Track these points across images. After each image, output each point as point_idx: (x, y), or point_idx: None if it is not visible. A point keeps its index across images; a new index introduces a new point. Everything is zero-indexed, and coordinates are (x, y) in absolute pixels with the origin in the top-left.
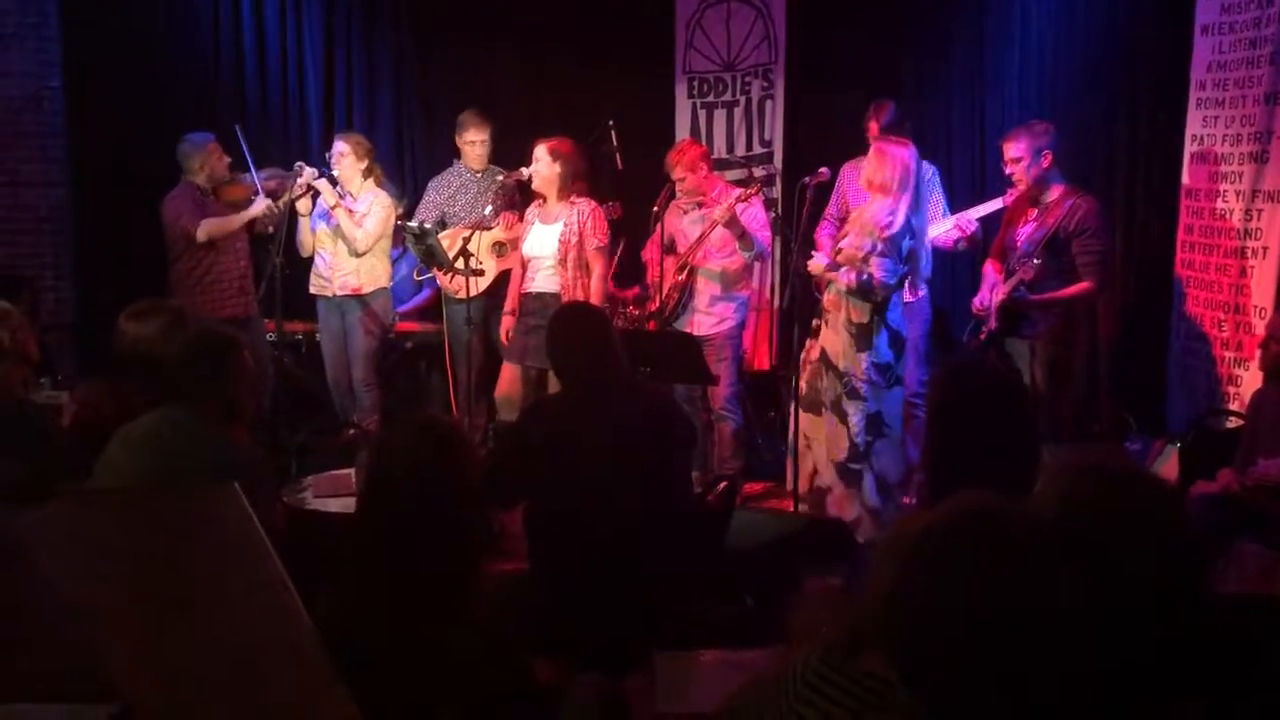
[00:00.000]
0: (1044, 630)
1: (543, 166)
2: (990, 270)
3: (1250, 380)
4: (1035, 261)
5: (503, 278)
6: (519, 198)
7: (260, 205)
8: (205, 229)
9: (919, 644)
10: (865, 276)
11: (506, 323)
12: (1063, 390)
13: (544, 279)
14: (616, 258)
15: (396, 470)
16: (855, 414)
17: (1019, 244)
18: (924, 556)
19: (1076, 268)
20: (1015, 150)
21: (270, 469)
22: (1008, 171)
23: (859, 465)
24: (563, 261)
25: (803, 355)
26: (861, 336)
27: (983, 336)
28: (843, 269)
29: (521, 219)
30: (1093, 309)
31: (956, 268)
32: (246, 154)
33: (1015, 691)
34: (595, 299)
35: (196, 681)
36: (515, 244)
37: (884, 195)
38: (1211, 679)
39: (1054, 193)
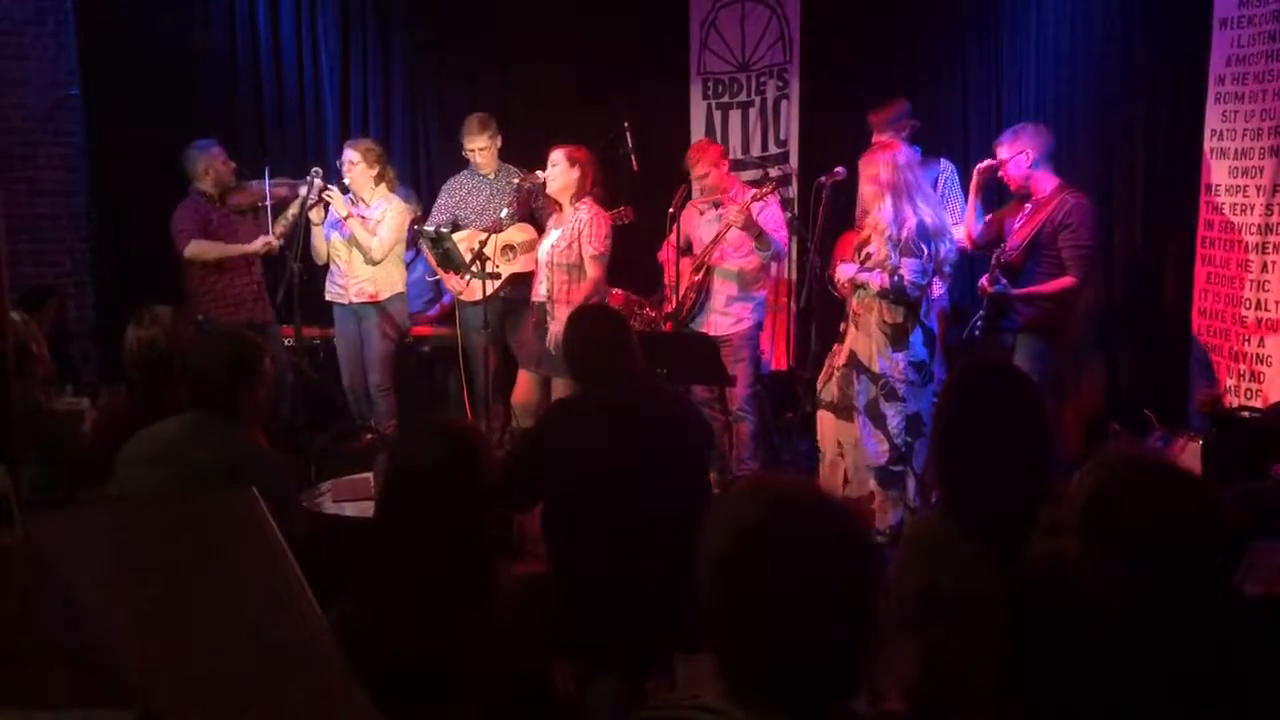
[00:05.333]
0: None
1: (559, 172)
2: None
3: (1272, 377)
4: (997, 250)
5: (511, 281)
6: (538, 201)
7: (259, 244)
8: (192, 249)
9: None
10: (896, 279)
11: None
12: (1048, 384)
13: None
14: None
15: (414, 474)
16: (894, 415)
17: (1010, 240)
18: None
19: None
20: (1000, 153)
21: (292, 473)
22: (999, 173)
23: (900, 467)
24: (549, 265)
25: (827, 360)
26: (897, 336)
27: (977, 332)
28: (874, 271)
29: (529, 220)
30: (1102, 305)
31: (974, 267)
32: (267, 179)
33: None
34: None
35: (214, 688)
36: (526, 247)
37: (881, 200)
38: (1238, 682)
39: (1046, 190)
